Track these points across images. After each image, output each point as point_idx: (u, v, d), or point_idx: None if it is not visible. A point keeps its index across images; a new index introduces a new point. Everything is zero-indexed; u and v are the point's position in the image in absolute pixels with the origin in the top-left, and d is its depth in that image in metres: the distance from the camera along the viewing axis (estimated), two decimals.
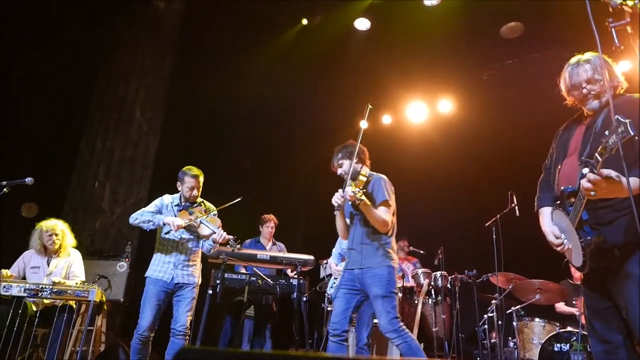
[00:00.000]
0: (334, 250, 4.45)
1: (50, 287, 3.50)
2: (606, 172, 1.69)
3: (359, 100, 7.13)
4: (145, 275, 3.57)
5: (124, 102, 6.23)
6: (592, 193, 1.72)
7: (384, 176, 3.24)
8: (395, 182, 3.29)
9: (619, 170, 1.71)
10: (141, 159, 6.11)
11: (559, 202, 2.06)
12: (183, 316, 3.47)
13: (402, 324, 2.87)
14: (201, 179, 3.69)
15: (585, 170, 1.75)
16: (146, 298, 3.44)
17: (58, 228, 4.07)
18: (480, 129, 6.11)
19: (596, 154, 1.69)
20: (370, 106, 3.22)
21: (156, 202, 3.69)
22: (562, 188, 2.01)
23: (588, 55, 2.08)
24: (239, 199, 3.78)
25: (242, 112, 6.90)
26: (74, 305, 3.74)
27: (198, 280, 3.65)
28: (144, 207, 5.78)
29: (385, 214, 3.03)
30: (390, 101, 7.09)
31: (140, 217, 3.53)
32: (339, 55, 6.48)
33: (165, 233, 3.59)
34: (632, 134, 1.53)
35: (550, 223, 2.12)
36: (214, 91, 6.50)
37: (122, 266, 4.81)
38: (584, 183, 1.73)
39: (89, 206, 5.79)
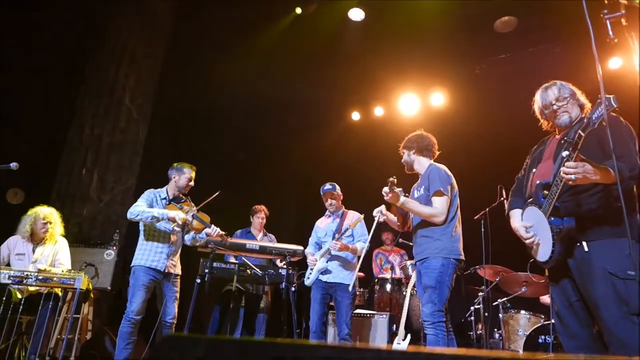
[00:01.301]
0: (310, 239, 4.40)
1: (36, 274, 3.46)
2: (583, 158, 1.85)
3: (353, 91, 7.12)
4: (134, 264, 3.61)
5: (114, 88, 6.13)
6: (572, 177, 1.82)
7: (440, 165, 3.24)
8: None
9: (594, 158, 1.88)
10: (130, 146, 6.04)
11: (533, 197, 2.16)
12: (172, 308, 3.65)
13: (444, 319, 2.90)
14: (194, 171, 3.88)
15: (565, 152, 1.88)
16: (136, 285, 3.52)
17: (53, 217, 4.06)
18: (472, 122, 6.13)
19: (579, 131, 1.83)
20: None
21: (146, 197, 3.74)
22: (537, 182, 2.13)
23: (554, 82, 2.38)
24: (217, 194, 3.85)
25: (234, 102, 6.84)
26: (60, 293, 3.70)
27: (179, 271, 3.83)
28: (133, 194, 5.74)
29: (437, 204, 3.01)
30: (382, 93, 7.08)
31: (142, 214, 3.56)
32: (332, 46, 6.43)
33: (171, 228, 3.70)
34: (614, 106, 1.71)
35: (520, 220, 2.25)
36: (206, 81, 6.43)
37: (110, 254, 4.77)
38: (564, 169, 1.85)
39: (76, 193, 5.71)
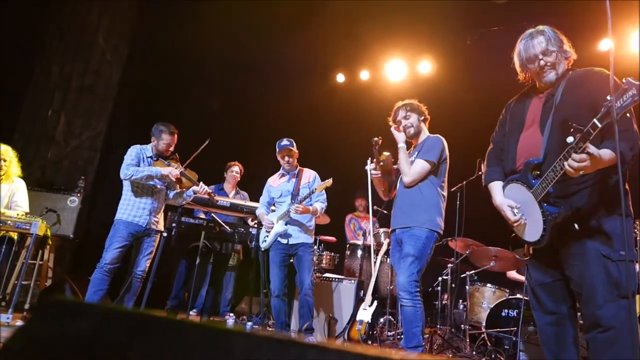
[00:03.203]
0: (262, 198, 4.19)
1: None
2: (592, 149, 1.65)
3: (338, 52, 6.86)
4: (117, 218, 3.62)
5: (86, 25, 5.74)
6: (581, 172, 1.69)
7: (443, 139, 3.16)
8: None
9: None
10: (102, 90, 5.72)
11: (519, 175, 2.02)
12: (143, 261, 3.67)
13: (419, 289, 2.88)
14: (176, 136, 3.80)
15: (570, 139, 1.69)
16: (115, 236, 3.53)
17: (8, 154, 3.84)
18: (458, 93, 6.01)
19: (595, 120, 1.61)
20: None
21: (133, 154, 3.68)
22: (527, 160, 1.98)
23: (541, 27, 2.06)
24: (206, 143, 3.78)
25: (213, 54, 6.51)
26: (15, 237, 3.52)
27: (162, 228, 3.83)
28: (102, 141, 5.50)
29: (417, 167, 3.00)
30: (369, 56, 6.85)
31: (137, 173, 3.55)
32: (317, 5, 6.11)
33: (162, 184, 3.71)
34: None
35: (503, 197, 2.10)
36: (186, 27, 6.06)
37: (74, 201, 4.57)
38: (573, 164, 1.68)
39: (41, 135, 5.43)
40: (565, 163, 1.70)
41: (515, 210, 2.00)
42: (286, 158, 3.95)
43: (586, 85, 1.92)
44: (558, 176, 1.79)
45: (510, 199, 2.05)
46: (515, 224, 2.03)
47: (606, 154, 1.72)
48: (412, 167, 3.01)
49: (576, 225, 1.84)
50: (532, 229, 1.94)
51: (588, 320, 1.85)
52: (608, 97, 1.56)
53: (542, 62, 2.01)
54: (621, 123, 1.60)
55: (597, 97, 1.73)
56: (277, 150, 3.99)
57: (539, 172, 1.92)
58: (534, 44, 2.02)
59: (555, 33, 2.03)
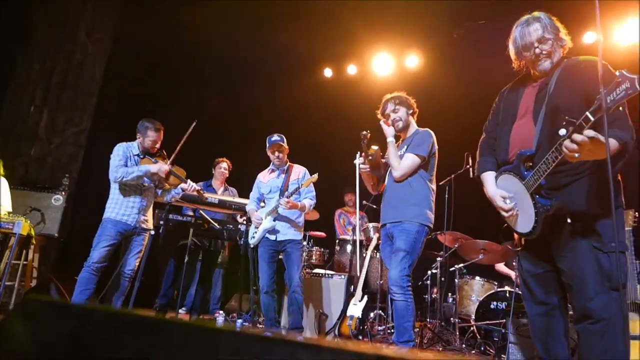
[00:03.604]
0: (251, 194, 4.13)
1: None
2: (592, 133, 1.59)
3: (324, 47, 6.82)
4: (105, 216, 3.56)
5: (68, 20, 5.61)
6: (576, 155, 1.64)
7: (432, 133, 3.15)
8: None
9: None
10: (85, 85, 5.60)
11: (511, 166, 2.00)
12: (132, 260, 3.61)
13: (410, 284, 2.87)
14: (162, 132, 3.73)
15: (563, 131, 1.66)
16: (103, 235, 3.47)
17: None
18: (445, 87, 6.02)
19: (587, 113, 1.59)
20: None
21: (120, 153, 3.60)
22: (520, 152, 1.95)
23: (537, 14, 2.00)
24: (194, 125, 3.73)
25: (200, 48, 6.42)
26: None
27: (151, 226, 3.77)
28: (87, 137, 5.40)
29: (406, 162, 2.99)
30: (356, 51, 6.83)
31: (127, 175, 3.49)
32: None
33: (150, 182, 3.64)
34: (638, 89, 1.44)
35: (495, 187, 2.08)
36: (172, 20, 5.96)
37: (58, 199, 4.48)
38: (569, 144, 1.64)
39: (23, 132, 5.30)
40: (565, 142, 1.65)
41: (508, 201, 1.99)
42: (276, 153, 3.92)
43: (580, 75, 1.88)
44: (550, 168, 1.77)
45: (502, 190, 2.03)
46: (507, 215, 2.01)
47: (611, 143, 1.65)
48: (402, 162, 3.00)
49: (568, 218, 1.82)
50: (524, 220, 1.93)
51: (579, 312, 1.84)
52: (601, 90, 1.53)
53: (537, 50, 1.95)
54: (616, 114, 1.57)
55: (590, 88, 1.70)
56: (267, 145, 3.95)
57: (531, 164, 1.90)
58: (529, 31, 1.96)
59: (552, 20, 1.98)
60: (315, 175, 3.75)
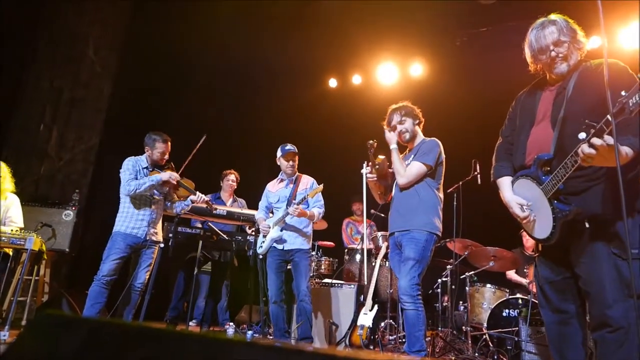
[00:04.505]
0: (260, 203, 4.13)
1: None
2: (611, 140, 1.56)
3: (328, 57, 6.88)
4: (115, 230, 3.58)
5: (76, 37, 5.72)
6: (590, 160, 1.62)
7: (439, 142, 3.16)
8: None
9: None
10: (93, 102, 5.68)
11: (529, 170, 1.96)
12: (143, 274, 3.62)
13: (420, 292, 2.86)
14: (170, 143, 3.76)
15: (583, 135, 1.63)
16: (112, 248, 3.49)
17: (2, 170, 3.78)
18: (450, 95, 6.04)
19: (608, 117, 1.55)
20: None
21: (130, 167, 3.64)
22: (537, 156, 1.92)
23: (553, 16, 1.98)
24: (204, 138, 3.80)
25: (205, 61, 6.50)
26: (10, 253, 3.48)
27: (160, 239, 3.78)
28: (96, 154, 5.47)
29: (412, 169, 2.99)
30: (360, 60, 6.88)
31: (140, 186, 3.53)
32: (308, 9, 6.13)
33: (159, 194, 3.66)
34: None
35: (512, 193, 2.04)
36: (176, 37, 6.04)
37: (69, 215, 4.52)
38: (586, 149, 1.61)
39: (33, 150, 5.39)
40: (582, 146, 1.62)
41: (525, 207, 1.95)
42: (291, 162, 3.94)
43: (599, 78, 1.82)
44: (569, 172, 1.73)
45: (519, 195, 1.99)
46: (524, 221, 1.97)
47: (623, 149, 1.65)
48: (407, 168, 3.01)
49: (586, 223, 1.79)
50: (542, 226, 1.89)
51: (596, 320, 1.80)
52: (622, 93, 1.50)
53: (553, 53, 1.92)
54: (629, 119, 1.54)
55: (610, 92, 1.66)
56: (281, 153, 3.96)
57: (549, 168, 1.86)
58: (545, 34, 1.92)
59: (568, 23, 1.94)
60: (321, 186, 3.77)
